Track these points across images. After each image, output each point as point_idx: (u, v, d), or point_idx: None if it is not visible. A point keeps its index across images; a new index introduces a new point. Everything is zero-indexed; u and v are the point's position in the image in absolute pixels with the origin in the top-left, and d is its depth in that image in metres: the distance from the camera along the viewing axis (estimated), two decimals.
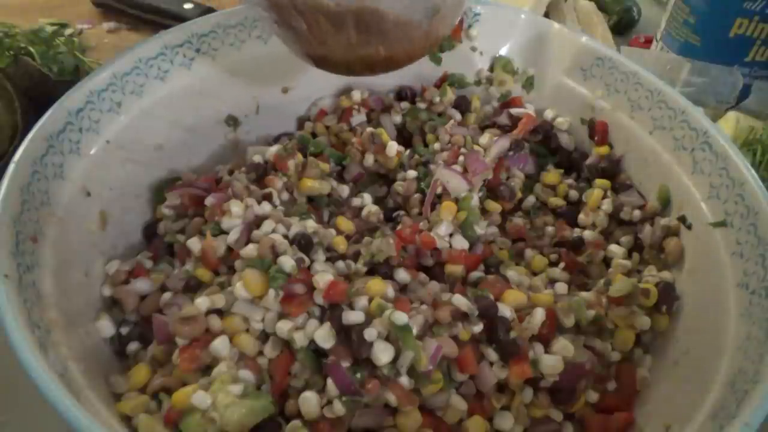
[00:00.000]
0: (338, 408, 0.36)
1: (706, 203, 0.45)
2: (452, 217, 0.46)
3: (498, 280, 0.44)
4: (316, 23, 0.39)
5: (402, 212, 0.51)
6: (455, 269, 0.45)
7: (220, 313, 0.40)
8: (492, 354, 0.40)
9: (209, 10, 0.76)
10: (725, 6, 0.69)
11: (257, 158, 0.50)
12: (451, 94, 0.58)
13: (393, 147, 0.52)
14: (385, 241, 0.43)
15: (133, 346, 0.42)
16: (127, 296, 0.42)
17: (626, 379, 0.42)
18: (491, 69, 0.60)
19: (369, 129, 0.53)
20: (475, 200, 0.48)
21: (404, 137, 0.57)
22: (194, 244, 0.43)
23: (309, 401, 0.37)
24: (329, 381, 0.37)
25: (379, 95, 0.59)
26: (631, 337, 0.43)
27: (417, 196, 0.51)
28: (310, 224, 0.44)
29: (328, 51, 0.42)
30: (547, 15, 0.86)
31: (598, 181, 0.52)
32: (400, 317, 0.37)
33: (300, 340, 0.38)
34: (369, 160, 0.52)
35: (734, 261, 0.41)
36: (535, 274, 0.48)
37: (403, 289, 0.43)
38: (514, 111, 0.56)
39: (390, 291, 0.40)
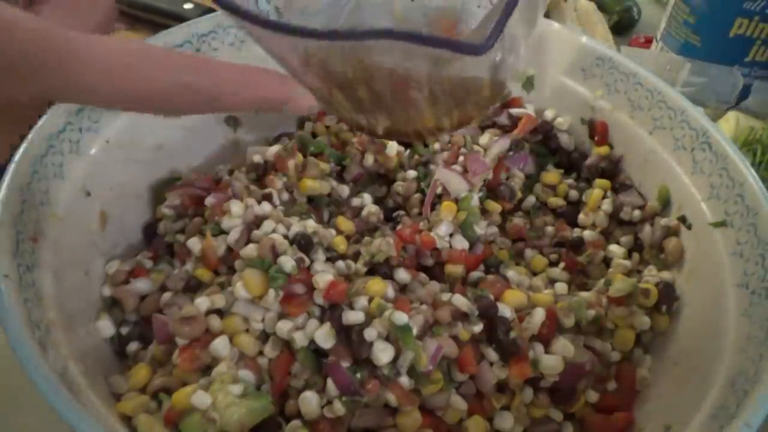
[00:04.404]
0: (338, 408, 0.36)
1: (706, 203, 0.45)
2: (452, 217, 0.46)
3: (498, 280, 0.44)
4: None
5: (402, 212, 0.51)
6: (455, 269, 0.45)
7: (220, 313, 0.40)
8: (492, 354, 0.39)
9: (209, 10, 0.76)
10: (725, 6, 0.69)
11: (257, 158, 0.49)
12: None
13: (393, 147, 0.52)
14: (385, 241, 0.43)
15: (133, 346, 0.42)
16: (127, 296, 0.42)
17: (626, 379, 0.42)
18: None
19: None
20: (475, 200, 0.48)
21: None
22: (194, 244, 0.43)
23: (309, 401, 0.37)
24: (329, 381, 0.37)
25: None
26: (631, 337, 0.43)
27: (417, 196, 0.51)
28: (310, 224, 0.44)
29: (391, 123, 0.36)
30: (547, 15, 0.86)
31: (598, 181, 0.52)
32: (400, 317, 0.37)
33: (300, 340, 0.38)
34: (369, 160, 0.52)
35: (734, 261, 0.41)
36: (535, 274, 0.48)
37: (403, 289, 0.43)
38: (514, 111, 0.56)
39: (390, 291, 0.40)
